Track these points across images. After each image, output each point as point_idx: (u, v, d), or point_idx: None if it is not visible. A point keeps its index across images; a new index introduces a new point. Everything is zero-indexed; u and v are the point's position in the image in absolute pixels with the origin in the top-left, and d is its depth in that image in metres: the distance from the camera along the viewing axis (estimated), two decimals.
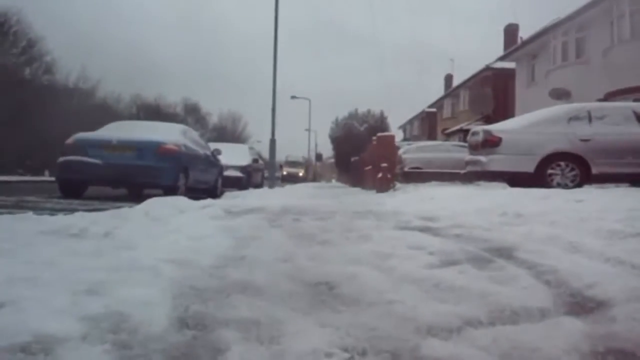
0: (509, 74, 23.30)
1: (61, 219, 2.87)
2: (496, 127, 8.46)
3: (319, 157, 51.66)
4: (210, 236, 2.56)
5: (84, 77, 42.99)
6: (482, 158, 8.19)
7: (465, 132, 25.46)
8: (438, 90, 38.02)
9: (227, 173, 13.15)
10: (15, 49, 30.56)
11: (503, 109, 24.01)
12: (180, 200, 5.50)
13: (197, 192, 10.14)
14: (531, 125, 8.15)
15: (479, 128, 8.65)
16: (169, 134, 8.57)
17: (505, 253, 2.21)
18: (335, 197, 9.10)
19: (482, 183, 13.33)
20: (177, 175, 8.09)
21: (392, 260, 2.02)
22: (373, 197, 8.61)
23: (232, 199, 8.93)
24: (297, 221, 3.60)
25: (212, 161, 10.33)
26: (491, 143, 8.07)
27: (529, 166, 7.84)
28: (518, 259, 2.10)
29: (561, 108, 8.37)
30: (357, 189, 15.98)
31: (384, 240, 2.54)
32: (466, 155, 9.37)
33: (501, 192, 5.45)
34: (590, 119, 7.95)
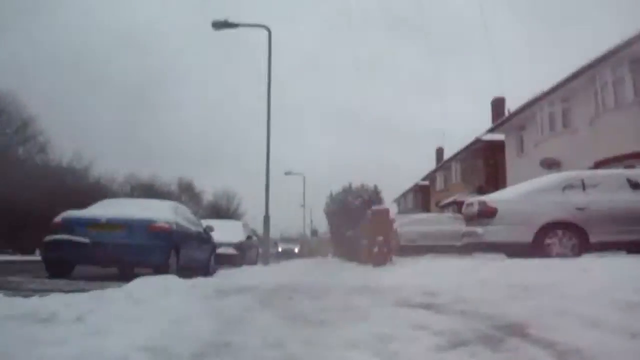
0: (499, 145, 23.78)
1: (32, 302, 2.65)
2: (491, 198, 8.41)
3: (314, 232, 51.26)
4: (194, 318, 2.35)
5: (78, 157, 43.54)
6: (479, 229, 8.05)
7: (459, 203, 25.51)
8: (430, 163, 38.67)
9: (220, 250, 12.84)
10: (9, 129, 31.01)
11: (495, 179, 24.25)
12: (169, 280, 5.27)
13: (189, 271, 9.84)
14: (526, 195, 8.11)
15: (474, 199, 8.60)
16: (159, 211, 8.42)
17: (517, 330, 2.01)
18: (330, 273, 8.83)
19: (478, 255, 13.16)
20: (168, 253, 7.85)
21: (394, 343, 1.82)
22: (369, 272, 8.35)
23: (225, 277, 8.64)
24: (291, 300, 3.38)
25: (204, 238, 10.10)
26: (487, 214, 7.98)
27: (527, 236, 7.69)
28: (532, 336, 1.91)
29: (555, 177, 8.38)
30: (353, 264, 15.62)
31: (384, 320, 2.34)
32: (462, 228, 9.23)
33: (501, 264, 5.27)
34: (584, 187, 7.93)
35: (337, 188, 24.66)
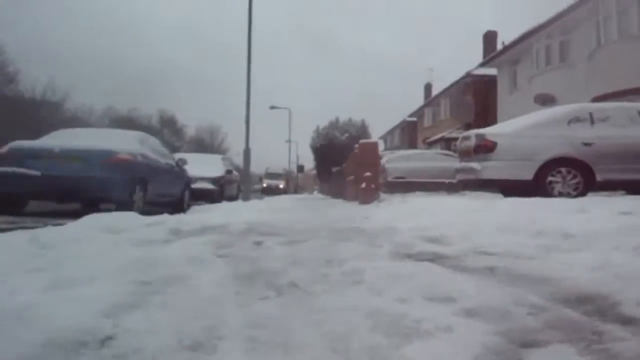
0: (491, 81, 22.86)
1: None
2: (490, 131, 7.67)
3: (300, 168, 50.69)
4: (101, 278, 1.62)
5: (52, 89, 41.49)
6: (475, 165, 7.38)
7: (447, 140, 24.91)
8: (418, 100, 37.63)
9: (197, 185, 12.12)
10: None
11: (484, 116, 23.52)
12: (122, 218, 4.54)
13: (161, 206, 9.16)
14: (528, 129, 7.38)
15: (471, 132, 7.85)
16: (122, 142, 7.58)
17: (606, 308, 1.30)
18: (314, 210, 8.18)
19: (467, 193, 12.67)
20: (131, 188, 7.10)
21: (409, 338, 1.09)
22: (357, 210, 7.71)
23: (199, 213, 7.99)
24: (258, 247, 2.67)
25: (176, 172, 9.32)
26: (485, 148, 7.28)
27: (527, 173, 7.06)
28: None
29: (560, 109, 7.63)
30: (339, 201, 15.09)
31: (384, 283, 1.63)
32: (454, 164, 8.56)
33: (508, 203, 4.59)
34: (592, 121, 7.23)
35: (323, 123, 23.76)
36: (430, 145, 26.82)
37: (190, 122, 79.63)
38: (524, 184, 7.05)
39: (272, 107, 36.27)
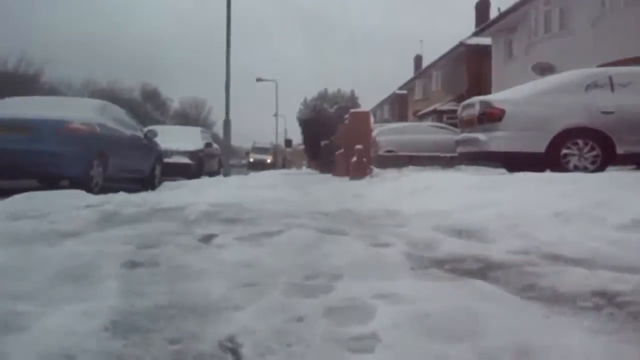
0: (484, 51, 21.88)
1: None
2: (497, 98, 6.81)
3: (288, 142, 49.52)
4: None
5: (26, 61, 39.60)
6: (480, 136, 6.55)
7: (439, 113, 24.03)
8: (407, 73, 36.53)
9: (172, 159, 11.17)
10: None
11: (477, 87, 22.61)
12: (57, 197, 3.66)
13: (128, 183, 8.25)
14: (541, 95, 6.55)
15: (475, 99, 6.99)
16: (78, 110, 6.62)
17: None
18: (299, 187, 7.31)
19: (463, 167, 11.89)
20: (87, 162, 6.19)
21: None
22: (347, 186, 6.87)
23: (168, 190, 7.11)
24: (205, 245, 1.82)
25: (145, 145, 8.37)
26: (491, 117, 6.44)
27: (539, 145, 6.27)
28: None
29: (576, 73, 6.79)
30: (327, 176, 14.25)
31: (419, 349, 0.79)
32: (455, 135, 7.73)
33: (536, 178, 3.74)
34: (612, 87, 6.40)
35: (312, 95, 22.66)
36: (421, 118, 25.94)
37: (174, 95, 77.41)
38: (535, 157, 6.26)
39: (259, 80, 34.97)
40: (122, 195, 4.31)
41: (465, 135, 7.17)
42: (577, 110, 6.28)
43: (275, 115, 41.25)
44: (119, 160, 7.15)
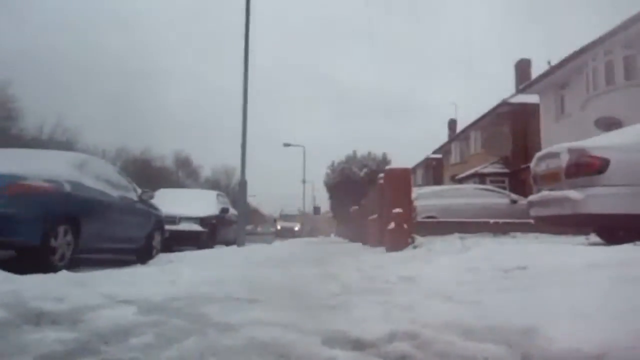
0: (530, 109, 20.32)
1: None
2: (595, 144, 5.05)
3: (316, 210, 48.11)
4: None
5: (61, 128, 40.23)
6: (572, 194, 4.75)
7: (481, 176, 22.16)
8: (441, 138, 35.07)
9: (180, 227, 9.69)
10: None
11: (524, 148, 20.85)
12: None
13: (120, 253, 6.76)
14: None
15: (560, 147, 5.25)
16: (45, 165, 5.27)
17: None
18: (321, 261, 5.58)
19: (518, 235, 9.88)
20: (45, 229, 4.69)
21: None
22: (386, 262, 5.08)
23: (162, 265, 5.58)
24: None
25: (139, 209, 6.90)
26: (589, 168, 4.68)
27: None
28: None
29: None
30: (357, 245, 12.44)
31: None
32: (534, 194, 5.96)
33: None
34: None
35: (340, 158, 21.33)
36: (460, 182, 24.10)
37: (206, 162, 78.12)
38: None
39: (286, 145, 34.14)
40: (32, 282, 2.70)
41: (544, 194, 5.37)
42: None
43: (303, 181, 40.04)
44: (99, 227, 5.68)
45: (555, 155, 5.21)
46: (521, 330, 1.40)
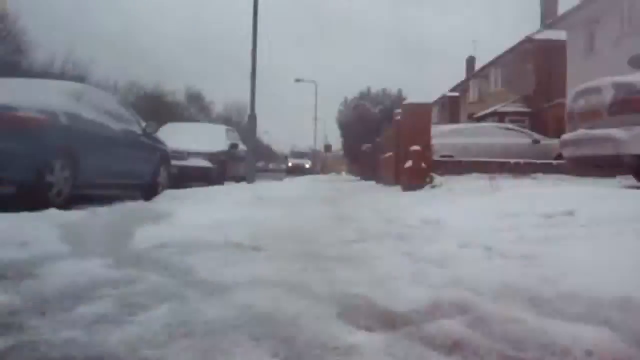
0: (556, 46, 19.12)
1: None
2: None
3: (328, 148, 47.68)
4: None
5: (72, 61, 39.35)
6: (616, 133, 4.27)
7: (501, 115, 21.33)
8: (459, 78, 33.70)
9: (188, 162, 9.36)
10: None
11: (547, 86, 19.88)
12: None
13: (124, 190, 6.48)
14: None
15: (603, 82, 4.70)
16: (40, 95, 4.88)
17: None
18: (334, 201, 5.24)
19: (539, 176, 9.44)
20: (40, 164, 4.38)
21: None
22: (404, 202, 4.73)
23: (166, 201, 5.33)
24: None
25: (143, 143, 6.55)
26: (636, 106, 4.16)
27: None
28: None
29: None
30: (370, 184, 12.11)
31: None
32: (569, 133, 5.46)
33: None
34: None
35: (353, 94, 20.54)
36: (478, 121, 23.33)
37: (218, 98, 76.82)
38: None
39: (297, 80, 33.26)
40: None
41: (582, 132, 4.88)
42: None
43: (315, 118, 39.37)
44: (98, 161, 5.34)
45: (596, 90, 4.68)
46: (618, 302, 1.03)
